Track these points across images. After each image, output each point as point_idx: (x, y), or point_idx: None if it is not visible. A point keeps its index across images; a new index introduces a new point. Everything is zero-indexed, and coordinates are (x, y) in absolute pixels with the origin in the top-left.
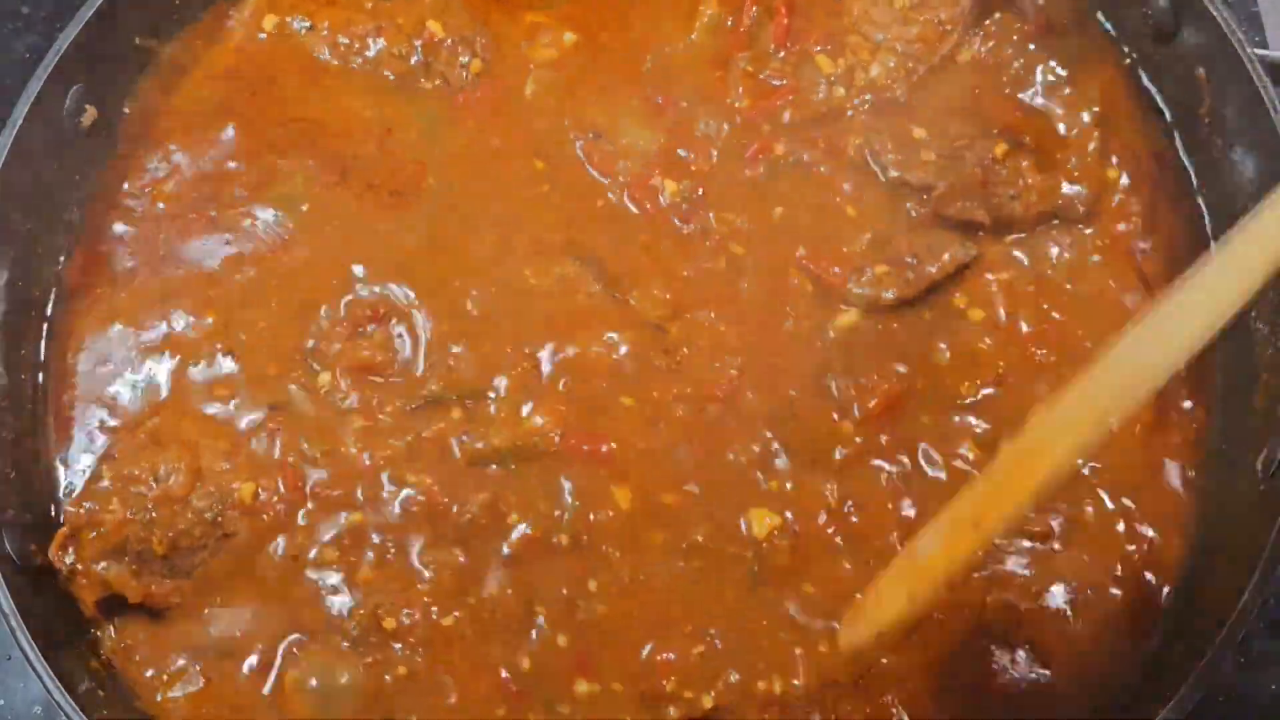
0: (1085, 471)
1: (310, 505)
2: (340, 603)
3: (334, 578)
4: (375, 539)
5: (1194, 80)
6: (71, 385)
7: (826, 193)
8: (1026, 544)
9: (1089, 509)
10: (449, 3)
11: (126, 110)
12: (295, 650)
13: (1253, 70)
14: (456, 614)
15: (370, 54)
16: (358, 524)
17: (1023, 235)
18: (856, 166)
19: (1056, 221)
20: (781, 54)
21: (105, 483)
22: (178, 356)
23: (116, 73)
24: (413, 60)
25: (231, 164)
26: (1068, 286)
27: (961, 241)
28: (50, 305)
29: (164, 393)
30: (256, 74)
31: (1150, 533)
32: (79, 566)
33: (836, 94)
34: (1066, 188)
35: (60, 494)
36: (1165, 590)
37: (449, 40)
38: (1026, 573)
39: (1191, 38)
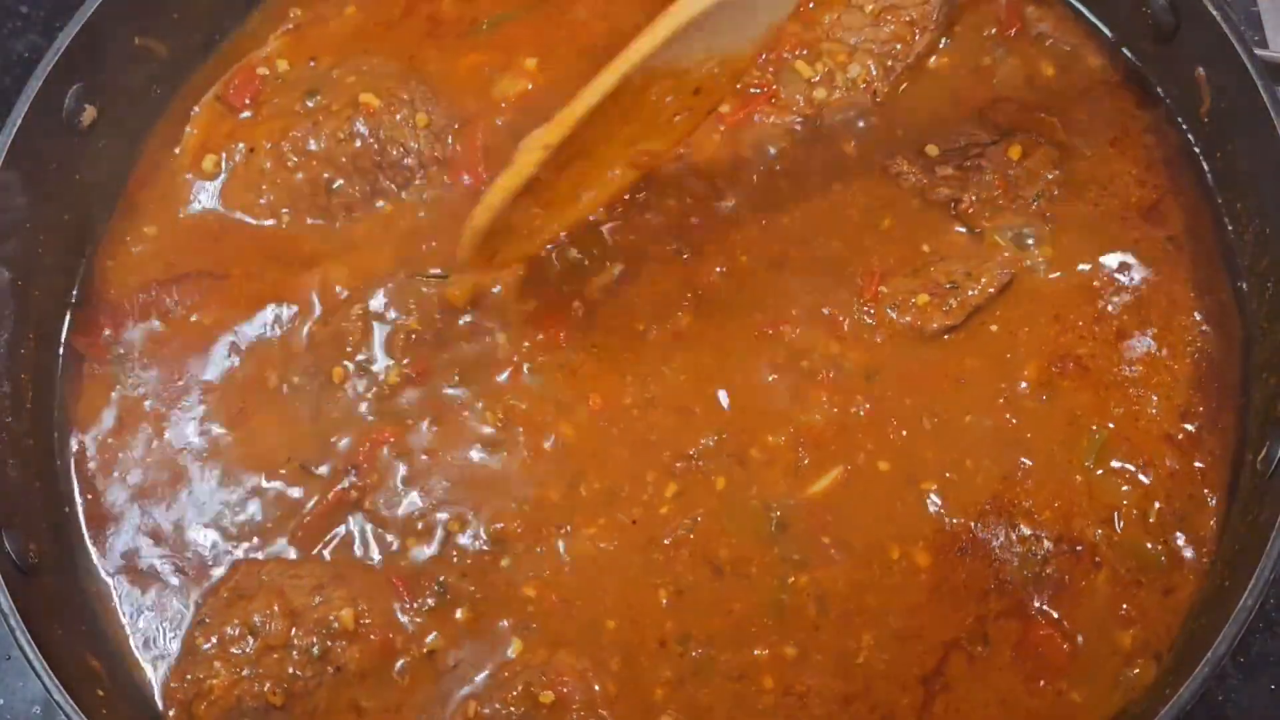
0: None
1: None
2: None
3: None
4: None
5: (1194, 80)
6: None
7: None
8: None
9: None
10: (375, 72)
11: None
12: None
13: (1253, 70)
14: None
15: (316, 148)
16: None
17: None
18: (874, 187)
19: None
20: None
21: (203, 650)
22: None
23: (116, 73)
24: (357, 144)
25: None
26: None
27: (999, 260)
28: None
29: (226, 549)
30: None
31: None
32: None
33: (817, 96)
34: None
35: (155, 679)
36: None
37: (385, 105)
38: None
39: (1191, 38)
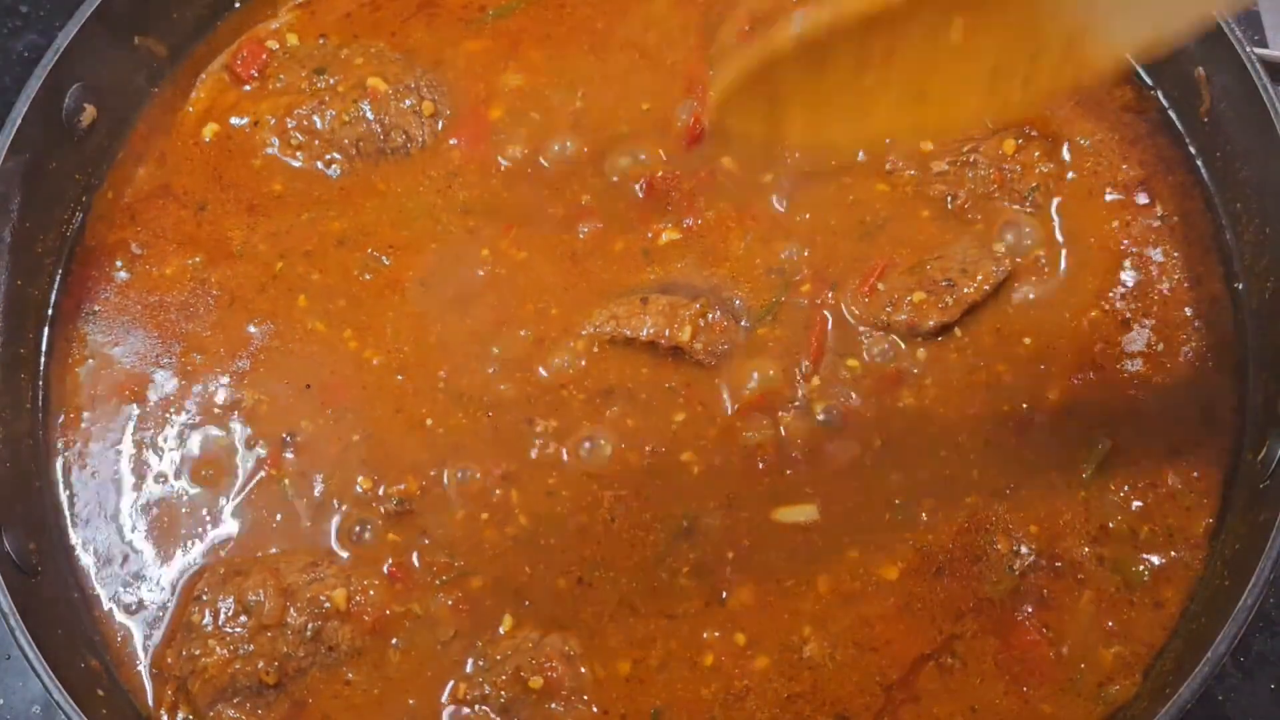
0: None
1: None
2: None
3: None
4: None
5: (1193, 80)
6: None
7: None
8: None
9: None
10: (383, 56)
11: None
12: None
13: (1253, 70)
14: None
15: (321, 128)
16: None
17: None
18: (870, 183)
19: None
20: None
21: (199, 625)
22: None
23: (116, 72)
24: (362, 127)
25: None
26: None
27: (995, 257)
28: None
29: (224, 521)
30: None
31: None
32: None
33: None
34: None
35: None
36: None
37: (392, 91)
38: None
39: (1191, 38)
